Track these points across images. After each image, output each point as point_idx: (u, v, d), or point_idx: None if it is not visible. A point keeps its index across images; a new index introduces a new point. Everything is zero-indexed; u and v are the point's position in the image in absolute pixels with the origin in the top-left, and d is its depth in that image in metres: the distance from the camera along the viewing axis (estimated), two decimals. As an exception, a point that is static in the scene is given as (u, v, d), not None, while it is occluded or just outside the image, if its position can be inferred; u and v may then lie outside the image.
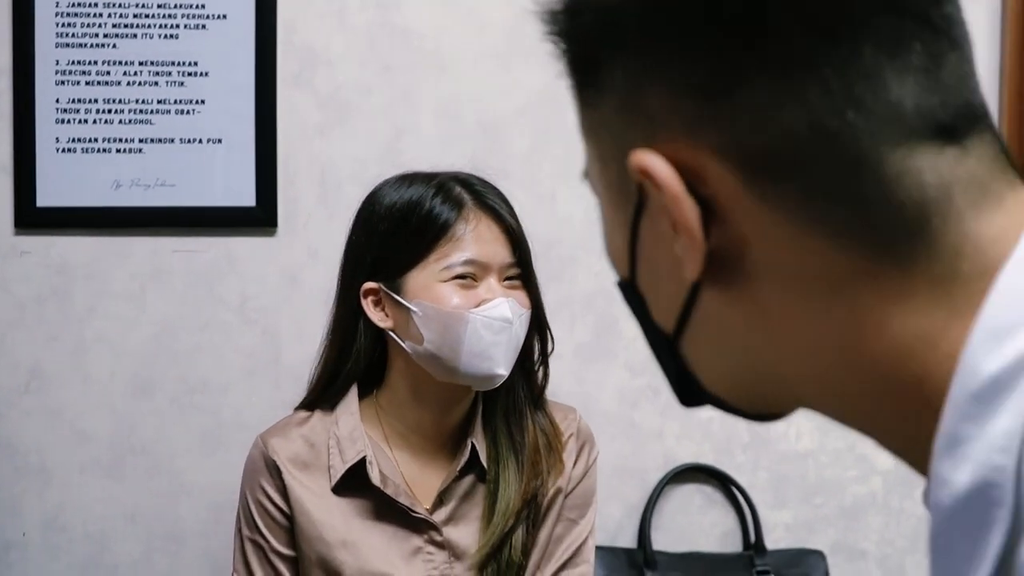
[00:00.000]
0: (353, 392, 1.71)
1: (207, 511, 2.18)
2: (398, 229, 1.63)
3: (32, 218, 2.11)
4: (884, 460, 2.36)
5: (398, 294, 1.62)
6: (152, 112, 2.12)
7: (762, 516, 2.31)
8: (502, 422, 1.71)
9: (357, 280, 1.66)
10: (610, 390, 2.29)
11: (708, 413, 2.30)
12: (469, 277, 1.61)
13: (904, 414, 0.58)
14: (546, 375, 1.74)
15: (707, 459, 2.32)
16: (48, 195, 2.11)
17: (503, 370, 1.63)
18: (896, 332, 0.57)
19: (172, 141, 2.13)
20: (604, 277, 2.26)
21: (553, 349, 1.74)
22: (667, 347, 0.65)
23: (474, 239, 1.61)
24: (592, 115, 0.65)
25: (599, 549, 1.92)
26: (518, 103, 2.23)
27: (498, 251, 1.63)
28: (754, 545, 2.29)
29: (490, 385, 1.65)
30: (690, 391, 0.67)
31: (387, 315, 1.65)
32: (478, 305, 1.60)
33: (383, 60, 2.19)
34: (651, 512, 2.27)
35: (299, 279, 2.19)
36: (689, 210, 0.58)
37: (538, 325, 1.70)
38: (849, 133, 0.56)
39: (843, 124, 0.56)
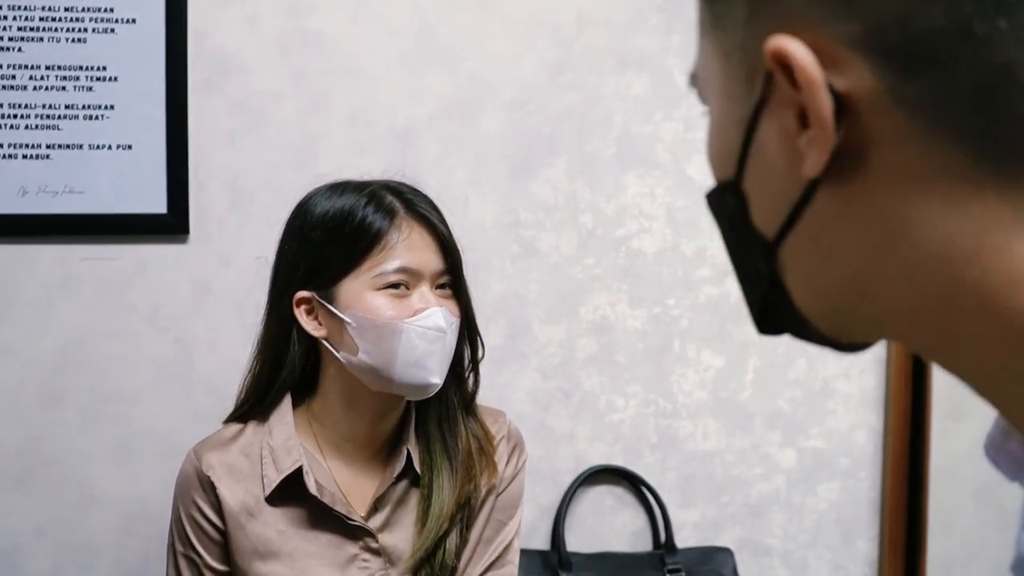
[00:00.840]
0: (287, 402, 1.71)
1: (119, 521, 2.15)
2: (331, 238, 1.62)
3: (-65, 225, 2.06)
4: (787, 458, 2.43)
5: (331, 303, 1.62)
6: (60, 117, 2.08)
7: (671, 515, 2.36)
8: (435, 428, 1.73)
9: (290, 289, 1.65)
10: (522, 393, 2.31)
11: (618, 415, 2.34)
12: (402, 285, 1.61)
13: (1013, 348, 0.55)
14: (476, 381, 1.76)
15: (617, 460, 2.36)
16: (-49, 202, 2.06)
17: (437, 379, 1.64)
18: (1017, 258, 0.55)
19: (81, 147, 2.09)
20: (516, 281, 2.29)
21: (483, 355, 1.75)
22: (764, 255, 0.63)
23: (406, 247, 1.62)
24: (718, 7, 0.63)
25: (514, 552, 1.95)
26: (430, 109, 2.25)
27: (430, 259, 1.64)
28: (664, 544, 2.34)
29: (424, 394, 1.66)
30: (774, 310, 0.65)
31: (320, 324, 1.65)
32: (412, 315, 1.61)
33: (295, 66, 2.19)
34: (564, 514, 2.30)
35: (211, 287, 2.17)
36: (824, 99, 0.57)
37: (469, 332, 1.72)
38: (998, 40, 0.54)
39: (993, 31, 0.54)
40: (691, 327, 2.38)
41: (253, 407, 1.73)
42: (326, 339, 1.66)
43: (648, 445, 2.38)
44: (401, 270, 1.62)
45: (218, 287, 2.17)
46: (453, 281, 1.69)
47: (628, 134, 2.33)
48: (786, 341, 2.52)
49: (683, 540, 2.37)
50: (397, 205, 1.65)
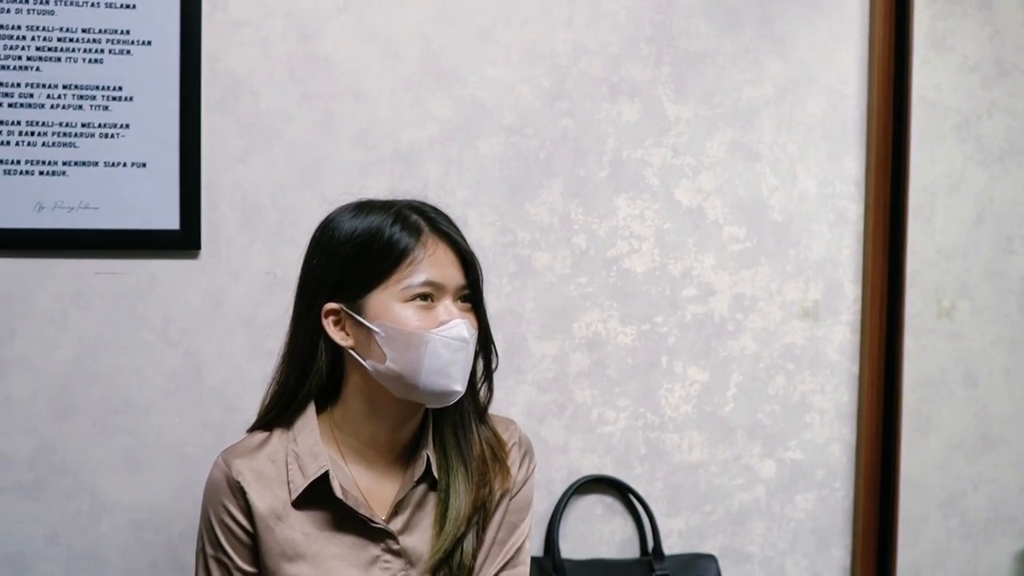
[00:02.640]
0: (311, 409, 1.77)
1: (128, 530, 2.20)
2: (360, 254, 1.70)
3: (-48, 239, 2.11)
4: (767, 469, 2.54)
5: (359, 314, 1.70)
6: (76, 135, 2.14)
7: (659, 523, 2.46)
8: (451, 435, 1.81)
9: (318, 301, 1.73)
10: (519, 406, 2.40)
11: (609, 427, 2.43)
12: (428, 297, 1.70)
13: None
14: (491, 390, 1.84)
15: (608, 471, 2.46)
16: (-31, 216, 2.11)
17: (460, 387, 1.72)
18: None
19: (96, 164, 2.15)
20: (513, 299, 2.38)
21: (497, 366, 1.84)
22: None
23: (431, 263, 1.71)
24: None
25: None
26: (432, 132, 2.33)
27: (453, 274, 1.73)
28: (652, 551, 2.44)
29: (447, 402, 1.74)
30: None
31: (348, 334, 1.73)
32: (437, 326, 1.69)
33: (304, 89, 2.27)
34: (557, 521, 2.39)
35: (221, 301, 2.23)
36: None
37: (484, 344, 1.80)
38: None
39: None
40: (678, 344, 2.49)
41: (279, 415, 1.80)
42: (353, 348, 1.73)
43: (637, 456, 2.48)
44: (427, 283, 1.70)
45: (227, 301, 2.23)
46: (473, 296, 1.77)
47: (620, 158, 2.44)
48: (765, 358, 2.61)
49: (669, 547, 2.48)
50: (422, 223, 1.74)
